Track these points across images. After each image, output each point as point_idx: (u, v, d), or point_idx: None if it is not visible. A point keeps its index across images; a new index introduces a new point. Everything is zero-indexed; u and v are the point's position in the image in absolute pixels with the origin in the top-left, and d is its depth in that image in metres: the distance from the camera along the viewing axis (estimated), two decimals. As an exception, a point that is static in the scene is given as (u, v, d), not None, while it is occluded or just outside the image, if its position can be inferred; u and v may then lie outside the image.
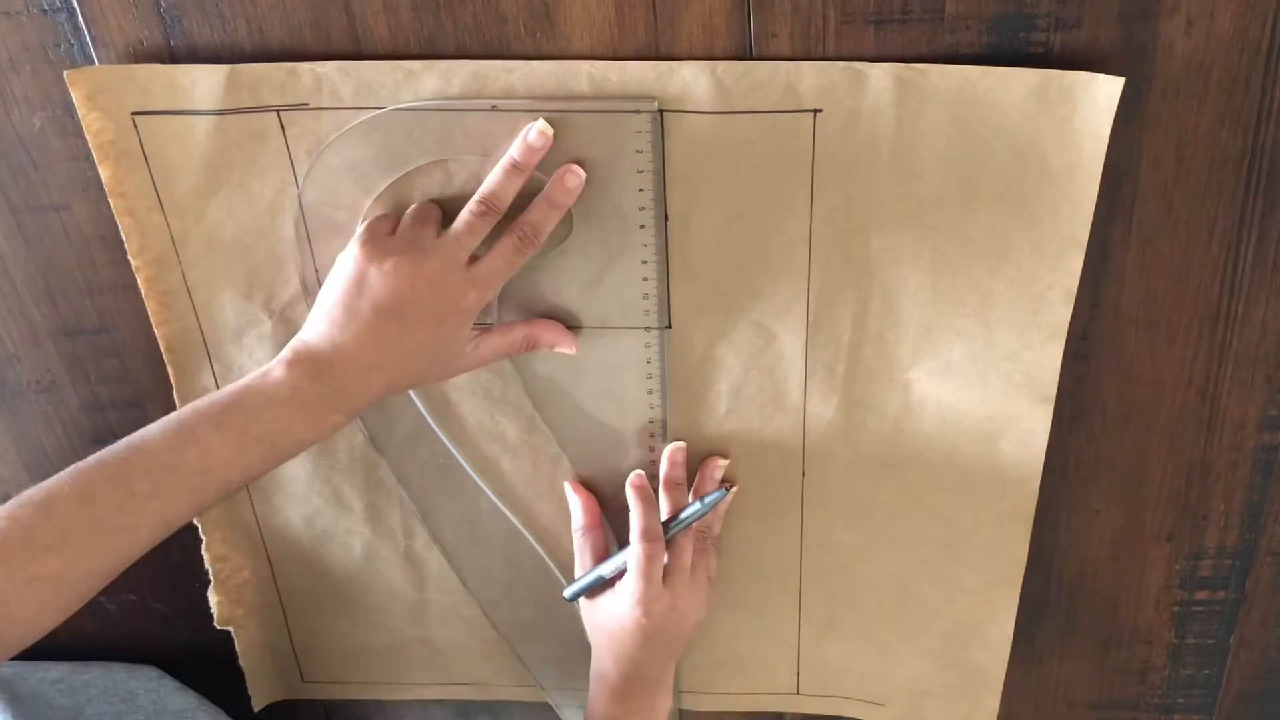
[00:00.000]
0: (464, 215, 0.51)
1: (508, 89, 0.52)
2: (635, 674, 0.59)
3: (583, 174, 0.52)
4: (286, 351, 0.51)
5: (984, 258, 0.53)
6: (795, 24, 0.50)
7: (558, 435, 0.61)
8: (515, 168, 0.51)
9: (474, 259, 0.52)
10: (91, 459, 0.49)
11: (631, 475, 0.61)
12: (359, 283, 0.51)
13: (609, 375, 0.59)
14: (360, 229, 0.53)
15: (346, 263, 0.51)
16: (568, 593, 0.62)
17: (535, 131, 0.51)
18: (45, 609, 0.48)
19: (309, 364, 0.51)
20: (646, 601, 0.57)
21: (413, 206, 0.53)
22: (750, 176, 0.53)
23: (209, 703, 0.70)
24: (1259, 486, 0.61)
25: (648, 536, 0.58)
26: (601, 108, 0.51)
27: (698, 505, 0.58)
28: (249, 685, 0.71)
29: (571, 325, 0.57)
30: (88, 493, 0.48)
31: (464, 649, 0.70)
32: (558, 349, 0.57)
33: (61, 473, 0.49)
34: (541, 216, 0.52)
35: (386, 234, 0.52)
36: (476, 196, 0.51)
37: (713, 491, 0.59)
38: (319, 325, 0.51)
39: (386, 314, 0.50)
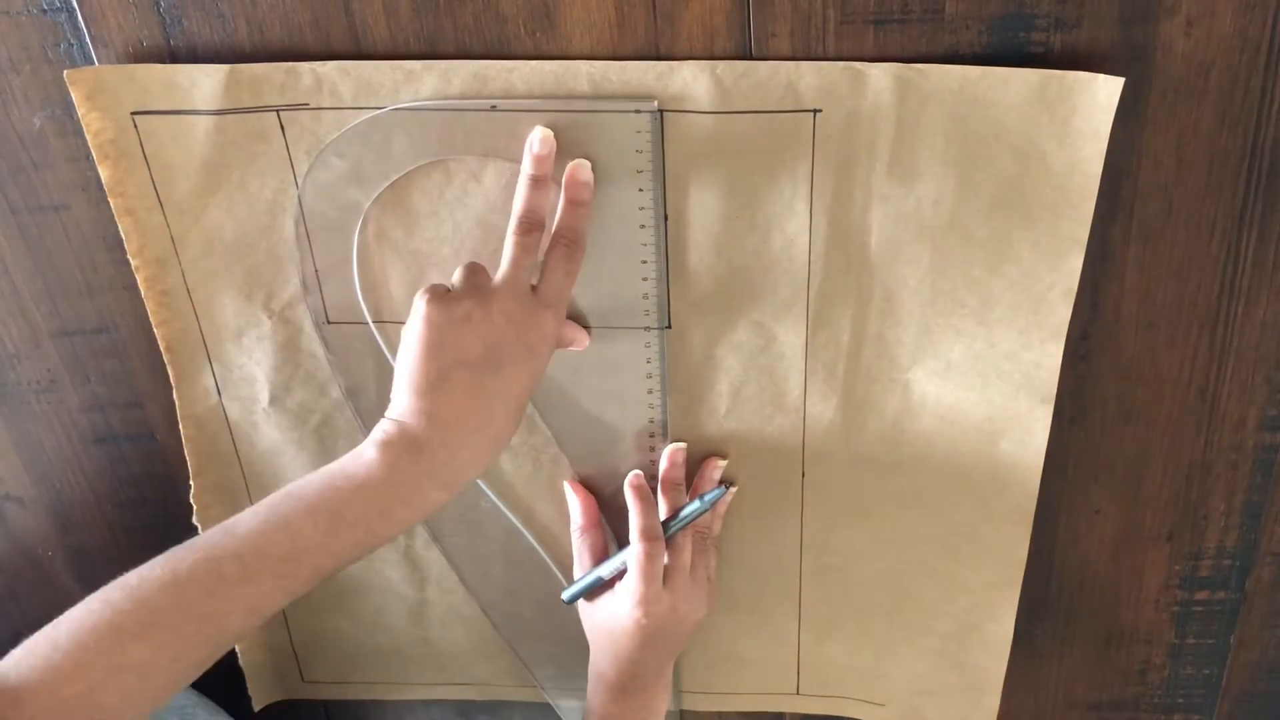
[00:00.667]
0: (510, 242, 0.51)
1: (508, 89, 0.52)
2: (634, 673, 0.59)
3: (588, 164, 0.52)
4: (378, 431, 0.48)
5: (984, 258, 0.53)
6: (795, 24, 0.50)
7: (557, 435, 0.61)
8: (535, 180, 0.51)
9: (533, 287, 0.51)
10: (186, 543, 0.47)
11: (629, 475, 0.61)
12: (438, 345, 0.48)
13: (609, 375, 0.59)
14: (419, 295, 0.49)
15: (416, 327, 0.48)
16: (566, 595, 0.62)
17: (538, 140, 0.51)
18: (130, 697, 0.45)
19: (404, 442, 0.48)
20: (646, 602, 0.57)
21: (461, 266, 0.51)
22: (750, 177, 0.53)
23: (207, 699, 0.70)
24: (1259, 486, 0.61)
25: (647, 536, 0.57)
26: (601, 108, 0.51)
27: (697, 504, 0.58)
28: (249, 685, 0.71)
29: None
30: (177, 576, 0.46)
31: (464, 649, 0.70)
32: (573, 348, 0.57)
33: (157, 557, 0.47)
34: (572, 218, 0.52)
35: (445, 292, 0.49)
36: (513, 220, 0.51)
37: (712, 490, 0.59)
38: (406, 399, 0.48)
39: (478, 367, 0.48)
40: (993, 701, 0.68)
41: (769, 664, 0.69)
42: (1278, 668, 0.68)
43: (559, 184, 0.52)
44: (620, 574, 0.59)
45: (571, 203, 0.52)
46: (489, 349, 0.48)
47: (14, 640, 0.46)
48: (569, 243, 0.52)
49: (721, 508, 0.61)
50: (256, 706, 0.72)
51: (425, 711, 0.75)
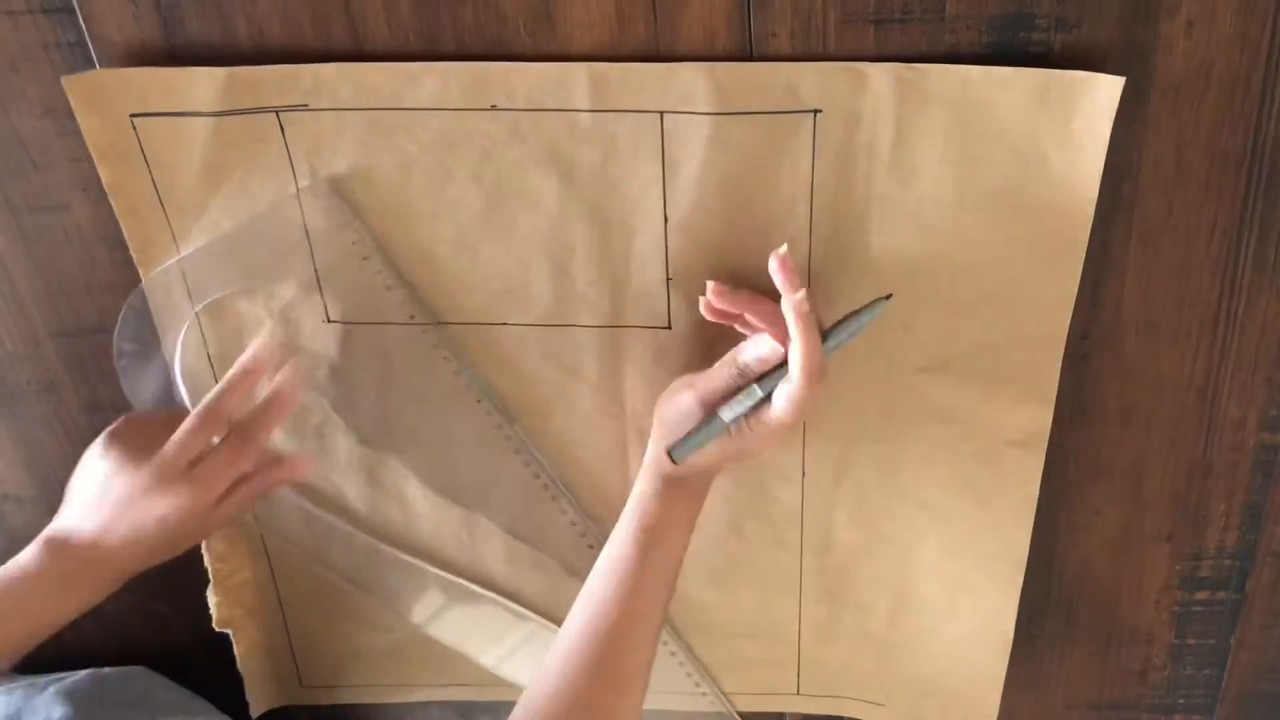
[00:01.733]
0: (186, 424, 0.55)
1: (507, 89, 0.52)
2: (710, 480, 0.54)
3: (299, 386, 0.57)
4: (44, 532, 0.56)
5: (984, 258, 0.53)
6: (795, 24, 0.50)
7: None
8: (246, 373, 0.56)
9: (200, 458, 0.55)
10: None
11: (792, 297, 0.48)
12: (95, 476, 0.56)
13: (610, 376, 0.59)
14: (114, 425, 0.57)
15: (91, 452, 0.56)
16: (680, 453, 0.53)
17: (261, 347, 0.56)
18: None
19: (57, 544, 0.56)
20: (783, 437, 0.51)
21: (166, 411, 0.58)
22: (750, 177, 0.53)
23: (199, 697, 0.70)
24: (1259, 486, 0.61)
25: (816, 376, 0.48)
26: (603, 107, 0.51)
27: (858, 319, 0.50)
28: (247, 691, 0.71)
29: (573, 324, 0.57)
30: None
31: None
32: (296, 479, 0.61)
33: None
34: (258, 420, 0.56)
35: (130, 433, 0.57)
36: (204, 402, 0.55)
37: (871, 303, 0.50)
38: (68, 509, 0.57)
39: (115, 508, 0.55)
40: (993, 701, 0.68)
41: (769, 664, 0.69)
42: (1278, 668, 0.68)
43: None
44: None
45: (265, 410, 0.56)
46: (125, 502, 0.55)
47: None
48: (244, 438, 0.55)
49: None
50: (254, 714, 0.72)
51: (425, 712, 0.75)
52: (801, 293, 0.47)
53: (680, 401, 0.53)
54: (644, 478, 0.54)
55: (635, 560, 0.51)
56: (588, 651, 0.51)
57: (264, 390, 0.57)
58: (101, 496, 0.55)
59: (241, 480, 0.57)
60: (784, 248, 0.48)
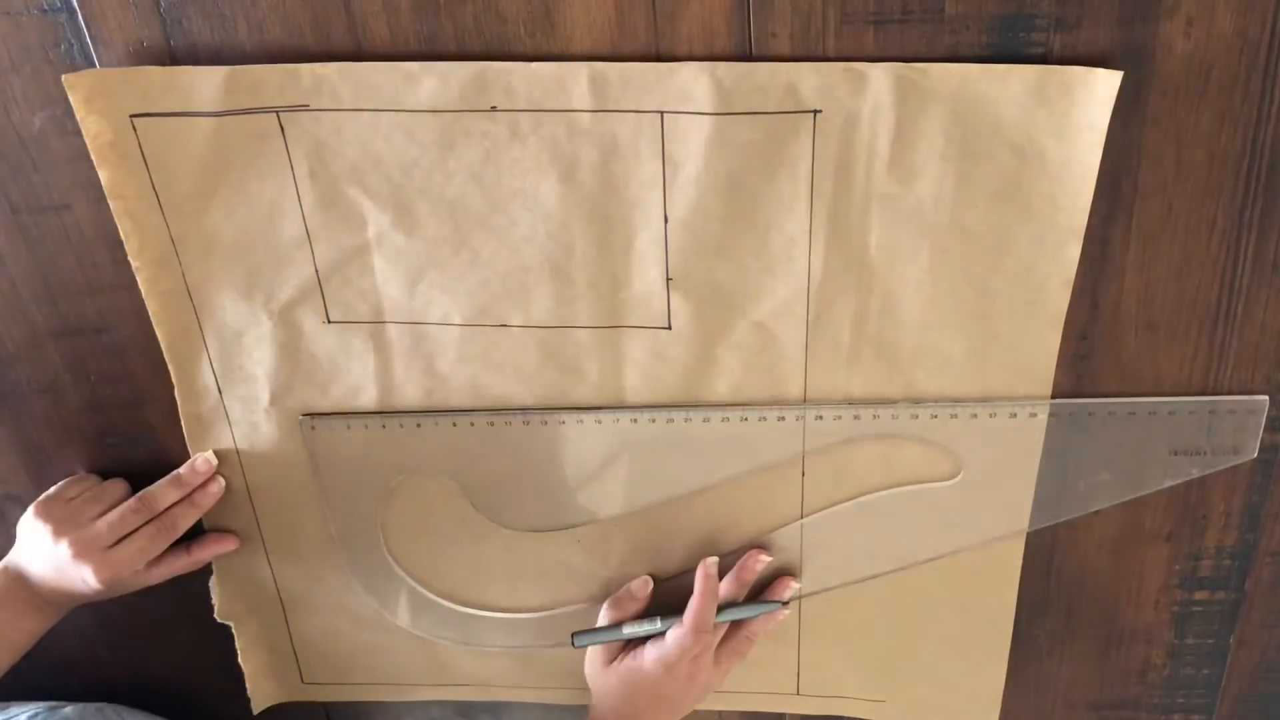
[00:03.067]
0: (120, 509, 0.61)
1: (507, 90, 0.52)
2: None
3: (222, 484, 0.63)
4: (2, 561, 0.63)
5: (983, 253, 0.54)
6: (795, 24, 0.50)
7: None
8: (178, 482, 0.62)
9: (121, 540, 0.61)
10: None
11: (704, 561, 0.62)
12: (34, 530, 0.61)
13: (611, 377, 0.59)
14: (45, 496, 0.63)
15: (29, 512, 0.62)
16: (581, 641, 0.63)
17: (202, 460, 0.63)
18: None
19: (14, 574, 0.62)
20: (670, 669, 0.61)
21: (103, 484, 0.64)
22: (750, 177, 0.53)
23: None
24: (1259, 486, 0.61)
25: (699, 629, 0.60)
26: (603, 107, 0.51)
27: (754, 609, 0.62)
28: (249, 687, 0.71)
29: (573, 325, 0.57)
30: None
31: (465, 649, 0.70)
32: (221, 554, 0.66)
33: None
34: (181, 514, 0.62)
35: (64, 499, 0.63)
36: (138, 495, 0.61)
37: (771, 603, 0.63)
38: (20, 547, 0.63)
39: (45, 561, 0.61)
40: (993, 701, 0.68)
41: (769, 664, 0.69)
42: (1278, 668, 0.68)
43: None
44: (642, 639, 0.62)
45: (190, 501, 0.63)
46: (53, 564, 0.61)
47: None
48: (163, 529, 0.61)
49: (771, 624, 0.64)
50: (256, 709, 0.72)
51: (425, 712, 0.75)
52: (713, 560, 0.61)
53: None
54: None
55: None
56: None
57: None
58: (40, 554, 0.61)
59: (177, 555, 0.64)
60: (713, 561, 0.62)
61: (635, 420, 0.60)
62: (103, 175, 0.55)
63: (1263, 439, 0.59)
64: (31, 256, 0.60)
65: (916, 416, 0.58)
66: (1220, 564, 0.64)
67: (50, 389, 0.64)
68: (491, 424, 0.61)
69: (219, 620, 0.68)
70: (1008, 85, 0.49)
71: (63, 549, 0.60)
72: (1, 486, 0.68)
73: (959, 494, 0.60)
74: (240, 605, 0.68)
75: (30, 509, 0.62)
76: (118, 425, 0.65)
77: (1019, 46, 0.49)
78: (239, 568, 0.67)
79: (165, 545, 0.62)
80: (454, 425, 0.61)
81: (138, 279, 0.58)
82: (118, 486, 0.64)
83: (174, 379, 0.61)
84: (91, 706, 0.67)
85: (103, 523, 0.61)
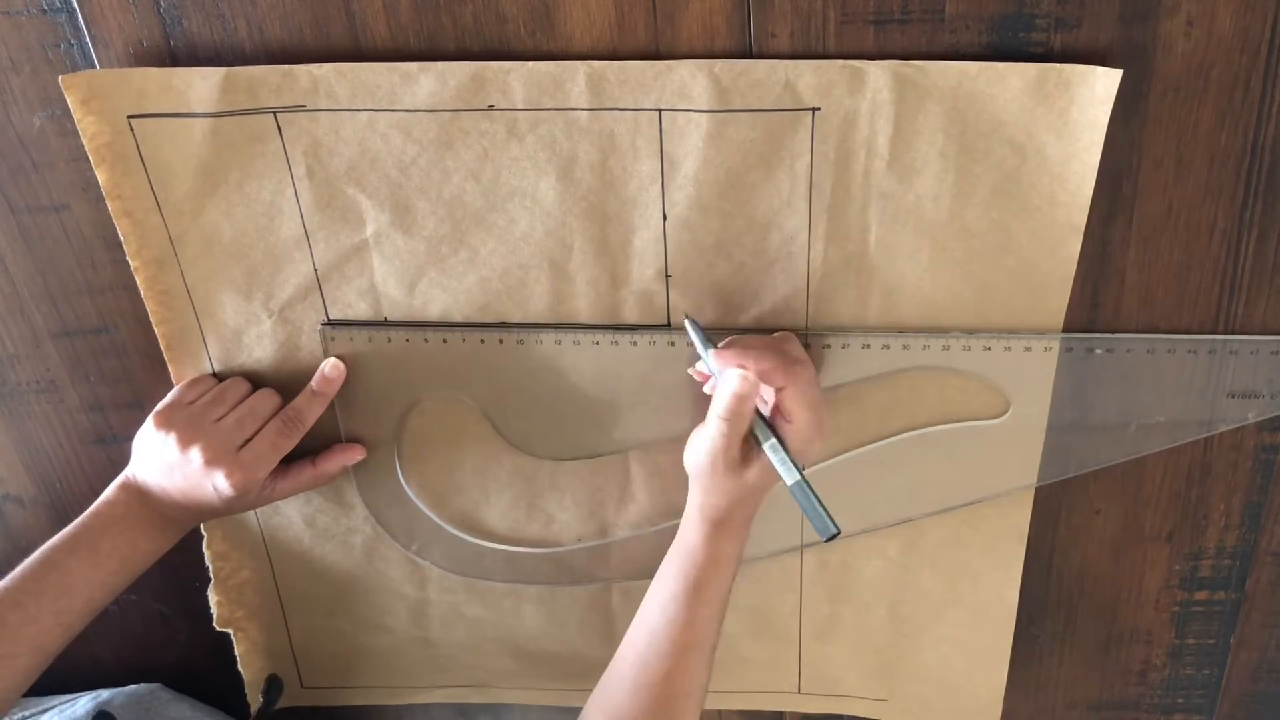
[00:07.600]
0: (245, 404, 0.58)
1: (506, 89, 0.52)
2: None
3: (342, 367, 0.59)
4: (121, 476, 0.59)
5: (983, 250, 0.54)
6: (795, 24, 0.50)
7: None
8: (314, 394, 0.59)
9: (249, 441, 0.58)
10: None
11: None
12: (156, 448, 0.58)
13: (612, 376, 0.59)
14: (162, 404, 0.59)
15: (148, 424, 0.58)
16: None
17: (330, 365, 0.59)
18: None
19: (135, 490, 0.59)
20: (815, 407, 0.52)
21: (221, 384, 0.60)
22: (749, 174, 0.53)
23: (208, 706, 0.70)
24: (1259, 486, 0.61)
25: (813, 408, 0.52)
26: (601, 105, 0.51)
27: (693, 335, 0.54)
28: (248, 692, 0.71)
29: (573, 323, 0.57)
30: None
31: (465, 649, 0.70)
32: (350, 465, 0.62)
33: None
34: (305, 404, 0.59)
35: (184, 404, 0.59)
36: (283, 412, 0.59)
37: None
38: (138, 461, 0.59)
39: (171, 474, 0.57)
40: (994, 701, 0.68)
41: (770, 663, 0.69)
42: (1278, 668, 0.68)
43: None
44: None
45: (312, 391, 0.59)
46: (179, 472, 0.57)
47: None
48: (289, 422, 0.59)
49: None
50: (255, 714, 0.72)
51: (425, 712, 0.75)
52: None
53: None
54: (688, 525, 0.55)
55: (687, 600, 0.54)
56: (645, 677, 0.53)
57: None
58: (163, 469, 0.58)
59: (301, 468, 0.61)
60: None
61: (673, 343, 0.58)
62: (100, 176, 0.55)
63: (1263, 439, 0.59)
64: (31, 256, 0.60)
65: (916, 416, 0.58)
66: (1220, 564, 0.64)
67: (50, 389, 0.64)
68: (521, 342, 0.59)
69: (218, 629, 0.68)
70: (1006, 82, 0.49)
71: (193, 456, 0.56)
72: (1, 487, 0.68)
73: (1003, 430, 0.60)
74: (239, 611, 0.68)
75: (149, 420, 0.58)
76: (118, 425, 0.65)
77: (1019, 46, 0.49)
78: (238, 572, 0.67)
79: (295, 440, 0.59)
80: (481, 342, 0.59)
81: (137, 279, 0.58)
82: (239, 385, 0.60)
83: (174, 379, 0.61)
84: (145, 688, 0.67)
85: (231, 418, 0.58)
